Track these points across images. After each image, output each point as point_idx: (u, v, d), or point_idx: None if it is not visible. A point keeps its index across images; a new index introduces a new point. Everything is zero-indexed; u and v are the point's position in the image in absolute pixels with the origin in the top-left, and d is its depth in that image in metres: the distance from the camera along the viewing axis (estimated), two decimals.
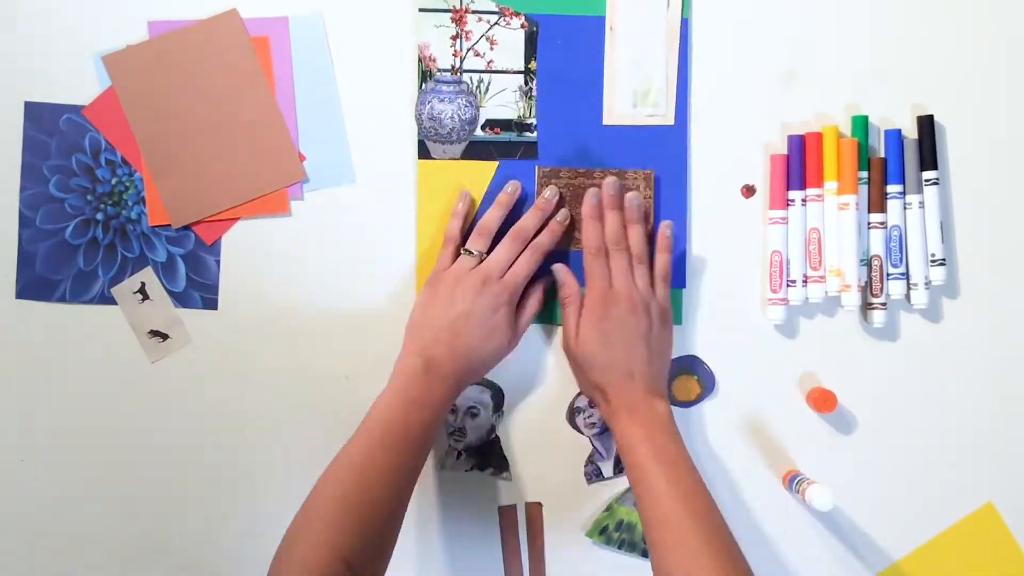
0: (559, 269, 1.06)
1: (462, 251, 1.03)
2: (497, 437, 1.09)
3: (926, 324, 1.09)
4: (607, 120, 1.08)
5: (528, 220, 1.04)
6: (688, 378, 1.09)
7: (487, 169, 1.08)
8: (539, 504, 1.09)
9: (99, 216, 1.07)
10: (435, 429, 0.97)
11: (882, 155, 1.08)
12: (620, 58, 1.08)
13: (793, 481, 1.06)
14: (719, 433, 1.09)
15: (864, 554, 1.10)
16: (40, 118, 1.06)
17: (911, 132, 1.08)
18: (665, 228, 1.05)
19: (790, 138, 1.07)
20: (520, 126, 1.08)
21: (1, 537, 1.07)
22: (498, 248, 1.02)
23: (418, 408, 0.95)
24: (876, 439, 1.09)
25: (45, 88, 1.06)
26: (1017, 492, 1.10)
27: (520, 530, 1.09)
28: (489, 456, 1.09)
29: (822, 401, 1.06)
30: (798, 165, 1.07)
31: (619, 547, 1.09)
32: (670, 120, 1.08)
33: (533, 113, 1.08)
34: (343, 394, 1.07)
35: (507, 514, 1.09)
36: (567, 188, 1.08)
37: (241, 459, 1.08)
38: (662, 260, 1.04)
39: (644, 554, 1.07)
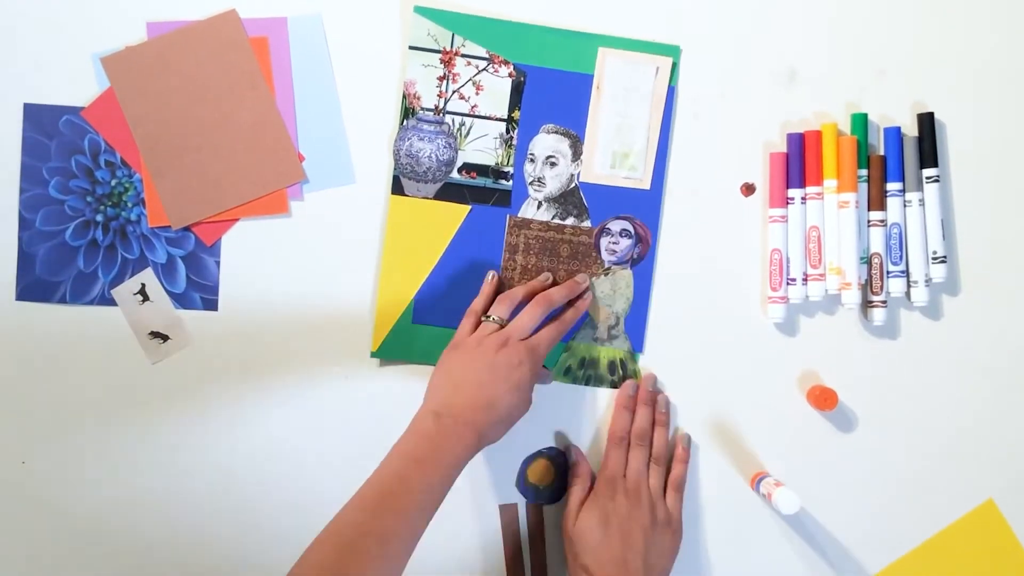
0: (575, 450, 1.09)
1: (483, 319, 1.02)
2: (577, 186, 1.08)
3: (926, 322, 1.10)
4: (584, 177, 1.08)
5: (557, 293, 1.04)
6: (548, 463, 1.10)
7: (459, 212, 1.08)
8: (539, 504, 1.09)
9: (99, 217, 1.06)
10: (440, 491, 0.91)
11: (882, 153, 1.08)
12: (604, 118, 1.08)
13: (760, 483, 1.06)
14: (719, 432, 1.09)
15: (865, 552, 1.10)
16: (39, 120, 1.06)
17: (911, 130, 1.08)
18: (683, 441, 1.09)
19: (790, 136, 1.08)
20: (497, 173, 1.08)
21: (1, 537, 1.07)
22: (523, 313, 1.01)
23: (421, 468, 0.90)
24: (876, 437, 1.10)
25: (44, 90, 1.06)
26: (1018, 489, 1.10)
27: (522, 528, 1.09)
28: (569, 204, 1.08)
29: (822, 399, 1.06)
30: (798, 163, 1.07)
31: (586, 383, 1.09)
32: (646, 185, 1.09)
33: (511, 162, 1.08)
34: (343, 394, 1.07)
35: (507, 512, 1.09)
36: (536, 240, 1.08)
37: (241, 459, 1.08)
38: (678, 470, 1.08)
39: (613, 385, 1.09)
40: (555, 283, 1.07)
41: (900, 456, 1.10)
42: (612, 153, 1.08)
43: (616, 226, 1.08)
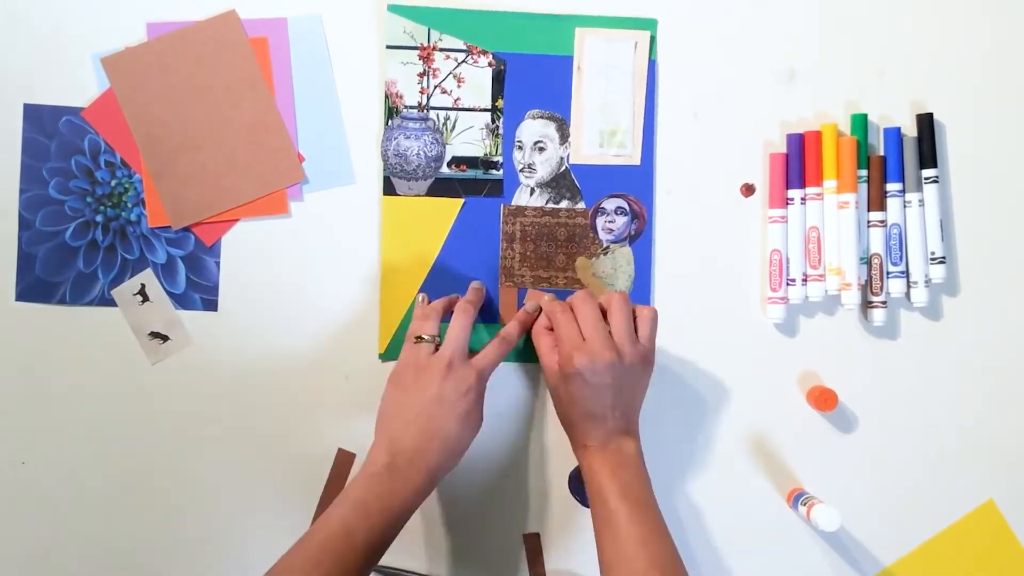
0: (533, 295, 1.07)
1: (414, 339, 0.99)
2: (568, 168, 1.08)
3: (926, 322, 1.10)
4: (574, 159, 1.09)
5: (474, 295, 1.04)
6: None
7: (452, 206, 1.08)
8: (537, 534, 1.09)
9: (99, 218, 1.06)
10: (386, 540, 0.91)
11: (882, 153, 1.08)
12: (587, 98, 1.08)
13: (798, 500, 1.06)
14: (719, 431, 1.09)
15: (865, 552, 1.10)
16: (39, 120, 1.06)
17: (911, 130, 1.08)
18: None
19: (789, 137, 1.08)
20: (486, 164, 1.09)
21: (1, 537, 1.07)
22: (450, 327, 0.99)
23: (367, 515, 0.90)
24: (877, 437, 1.10)
25: (44, 90, 1.06)
26: (1018, 489, 1.11)
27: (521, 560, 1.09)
28: (561, 188, 1.09)
29: (822, 400, 1.06)
30: (797, 164, 1.07)
31: None
32: (636, 160, 1.09)
33: (499, 151, 1.08)
34: (344, 394, 1.07)
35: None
36: (532, 226, 1.09)
37: (242, 460, 1.08)
38: (645, 310, 0.99)
39: None
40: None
41: (900, 457, 1.10)
42: (599, 132, 1.08)
43: (611, 204, 1.09)
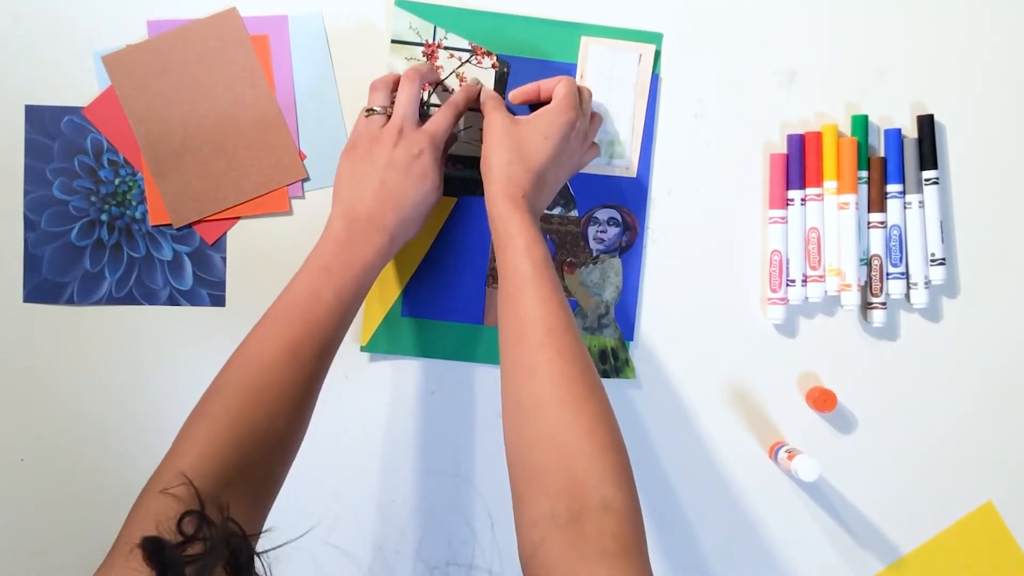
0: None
1: (364, 111, 0.99)
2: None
3: (926, 324, 1.09)
4: None
5: (423, 66, 1.03)
6: None
7: (446, 205, 1.08)
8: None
9: (104, 217, 1.07)
10: (353, 297, 0.92)
11: (882, 154, 1.08)
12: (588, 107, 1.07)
13: (779, 452, 1.07)
14: (718, 432, 1.10)
15: (864, 554, 1.10)
16: (41, 121, 1.06)
17: (911, 131, 1.07)
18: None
19: (790, 137, 1.07)
20: None
21: (1, 537, 1.09)
22: (398, 94, 0.99)
23: (331, 277, 0.91)
24: (876, 439, 1.10)
25: (45, 90, 1.06)
26: (1017, 491, 1.10)
27: None
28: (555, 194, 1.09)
29: (822, 401, 1.06)
30: (798, 164, 1.07)
31: None
32: (632, 172, 1.09)
33: None
34: (345, 391, 1.09)
35: None
36: None
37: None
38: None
39: (604, 375, 1.08)
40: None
41: (899, 458, 1.10)
42: (597, 141, 1.08)
43: (603, 215, 1.09)
